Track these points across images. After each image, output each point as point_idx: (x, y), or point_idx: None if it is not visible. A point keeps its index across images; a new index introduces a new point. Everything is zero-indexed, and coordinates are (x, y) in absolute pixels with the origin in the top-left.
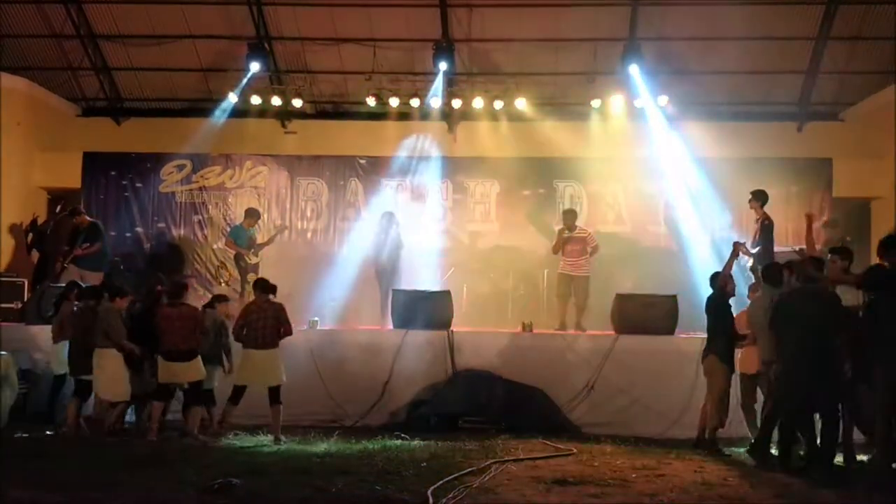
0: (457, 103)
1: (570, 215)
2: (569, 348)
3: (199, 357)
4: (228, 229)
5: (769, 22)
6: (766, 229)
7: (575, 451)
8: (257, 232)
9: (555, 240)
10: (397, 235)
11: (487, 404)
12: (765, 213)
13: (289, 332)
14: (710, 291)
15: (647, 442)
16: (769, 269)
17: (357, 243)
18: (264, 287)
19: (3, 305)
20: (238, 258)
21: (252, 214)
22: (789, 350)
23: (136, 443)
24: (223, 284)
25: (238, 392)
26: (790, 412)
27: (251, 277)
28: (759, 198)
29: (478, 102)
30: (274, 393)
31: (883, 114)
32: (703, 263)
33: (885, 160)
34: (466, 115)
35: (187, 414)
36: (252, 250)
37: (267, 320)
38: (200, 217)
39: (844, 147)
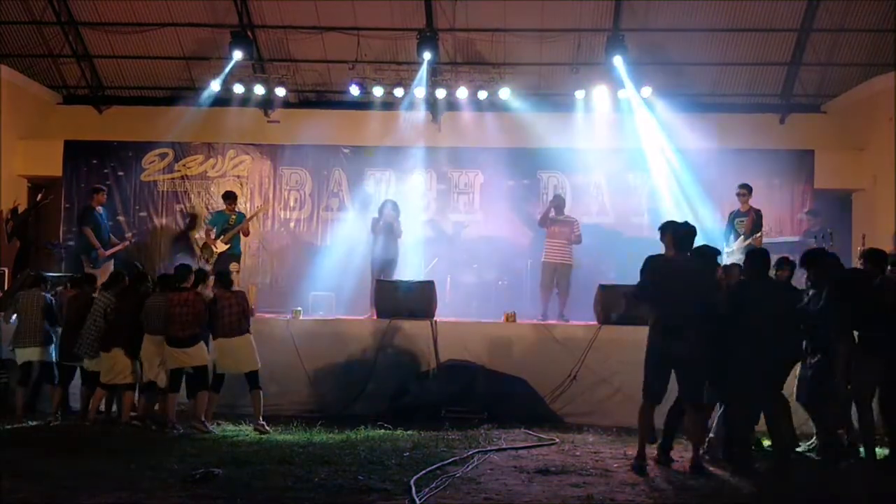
0: (441, 93)
1: (558, 199)
2: (552, 338)
3: (202, 343)
4: (210, 216)
5: (752, 13)
6: (761, 219)
7: (557, 440)
8: (246, 216)
9: (541, 213)
10: (398, 224)
11: (470, 394)
12: (751, 206)
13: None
14: None
15: (629, 432)
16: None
17: (342, 232)
18: (224, 282)
19: None
20: (203, 247)
21: (229, 197)
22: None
23: (117, 432)
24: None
25: (218, 380)
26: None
27: (234, 267)
28: (751, 190)
29: (462, 92)
30: (252, 378)
31: (865, 106)
32: None
33: (867, 152)
34: (450, 104)
35: (193, 400)
36: (222, 237)
37: (231, 308)
38: (182, 206)
39: (826, 139)
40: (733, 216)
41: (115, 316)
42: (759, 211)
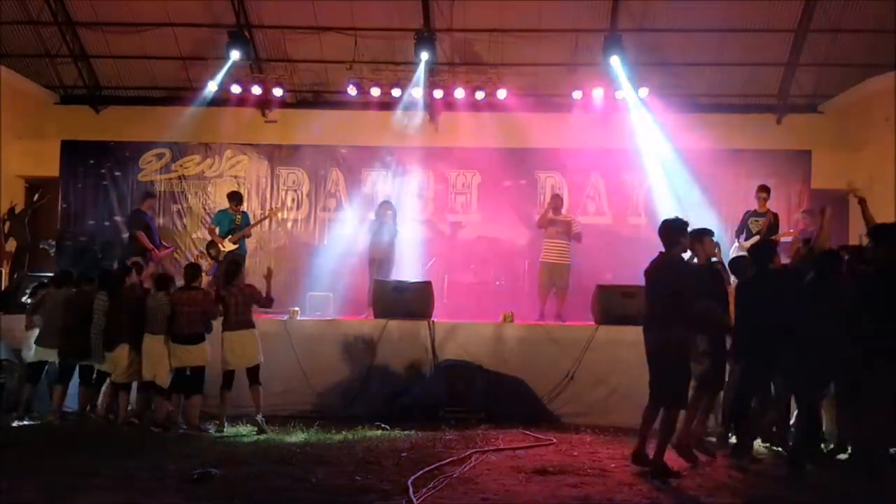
0: (438, 93)
1: (556, 199)
2: (549, 339)
3: (205, 343)
4: (209, 218)
5: (749, 14)
6: (778, 222)
7: (555, 440)
8: (251, 217)
9: (539, 215)
10: (395, 225)
11: (468, 394)
12: (769, 208)
13: (268, 304)
14: None
15: (627, 432)
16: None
17: (339, 232)
18: (227, 276)
19: None
20: (210, 245)
21: (234, 198)
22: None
23: (115, 432)
24: (203, 275)
25: (228, 377)
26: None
27: None
28: (769, 192)
29: (459, 92)
30: (252, 373)
31: (862, 106)
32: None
33: (864, 153)
34: (448, 105)
35: (187, 403)
36: (229, 237)
37: (237, 301)
38: (180, 206)
39: (823, 139)
40: (749, 215)
41: (112, 314)
42: (776, 214)
